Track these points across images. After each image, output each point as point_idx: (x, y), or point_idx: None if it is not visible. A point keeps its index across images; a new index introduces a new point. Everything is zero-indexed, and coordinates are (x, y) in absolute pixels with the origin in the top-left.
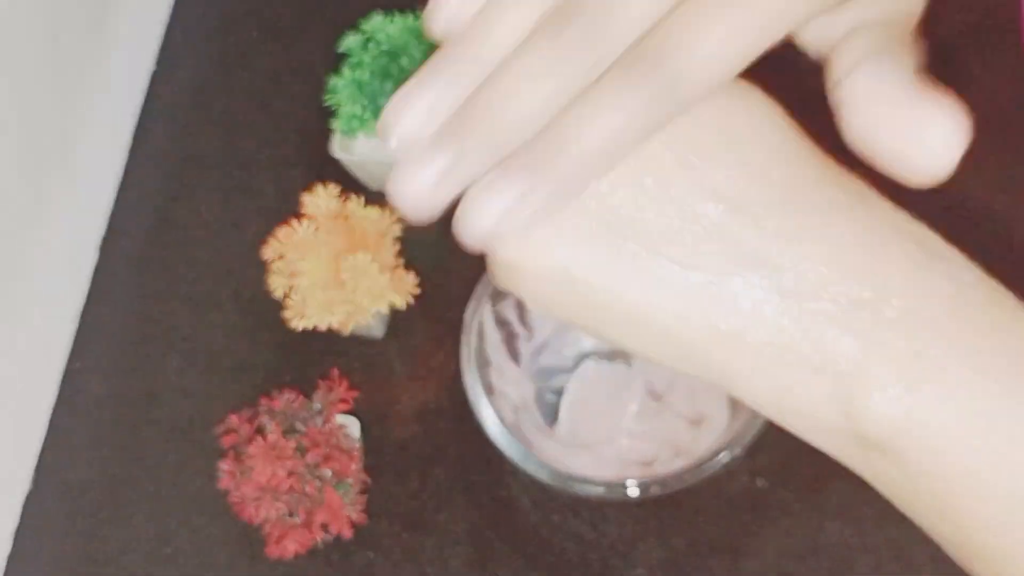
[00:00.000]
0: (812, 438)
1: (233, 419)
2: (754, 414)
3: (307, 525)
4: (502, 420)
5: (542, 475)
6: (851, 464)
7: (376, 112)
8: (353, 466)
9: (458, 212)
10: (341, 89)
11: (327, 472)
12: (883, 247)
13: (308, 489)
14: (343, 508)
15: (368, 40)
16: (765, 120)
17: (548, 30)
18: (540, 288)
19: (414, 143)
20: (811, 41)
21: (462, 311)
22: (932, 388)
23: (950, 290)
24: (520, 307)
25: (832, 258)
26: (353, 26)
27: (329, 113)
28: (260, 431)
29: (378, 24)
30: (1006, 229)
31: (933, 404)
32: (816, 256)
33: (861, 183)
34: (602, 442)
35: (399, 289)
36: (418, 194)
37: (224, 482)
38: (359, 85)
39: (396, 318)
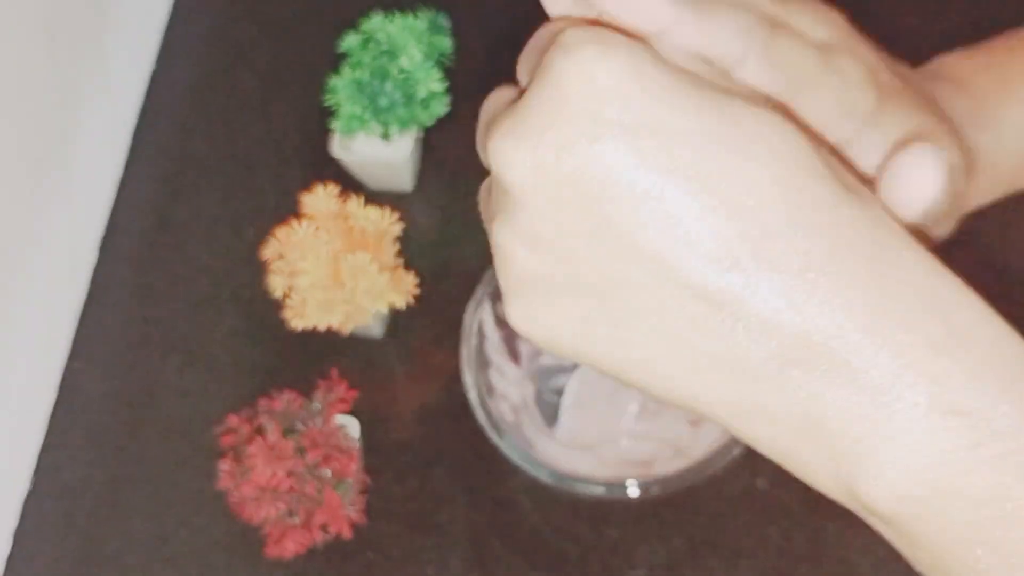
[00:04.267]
0: (831, 497)
1: (232, 419)
2: None
3: (306, 525)
4: (502, 420)
5: (542, 475)
6: (869, 523)
7: (375, 112)
8: (353, 466)
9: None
10: (341, 89)
11: (327, 472)
12: (896, 320)
13: (308, 489)
14: (343, 508)
15: (368, 40)
16: (784, 163)
17: None
18: (553, 350)
19: None
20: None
21: (462, 311)
22: (928, 467)
23: (962, 372)
24: None
25: (842, 328)
26: (353, 26)
27: (328, 113)
28: (260, 431)
29: (378, 24)
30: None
31: (929, 481)
32: (825, 328)
33: (892, 231)
34: (602, 442)
35: (399, 289)
36: None
37: (223, 482)
38: (359, 85)
39: (396, 318)
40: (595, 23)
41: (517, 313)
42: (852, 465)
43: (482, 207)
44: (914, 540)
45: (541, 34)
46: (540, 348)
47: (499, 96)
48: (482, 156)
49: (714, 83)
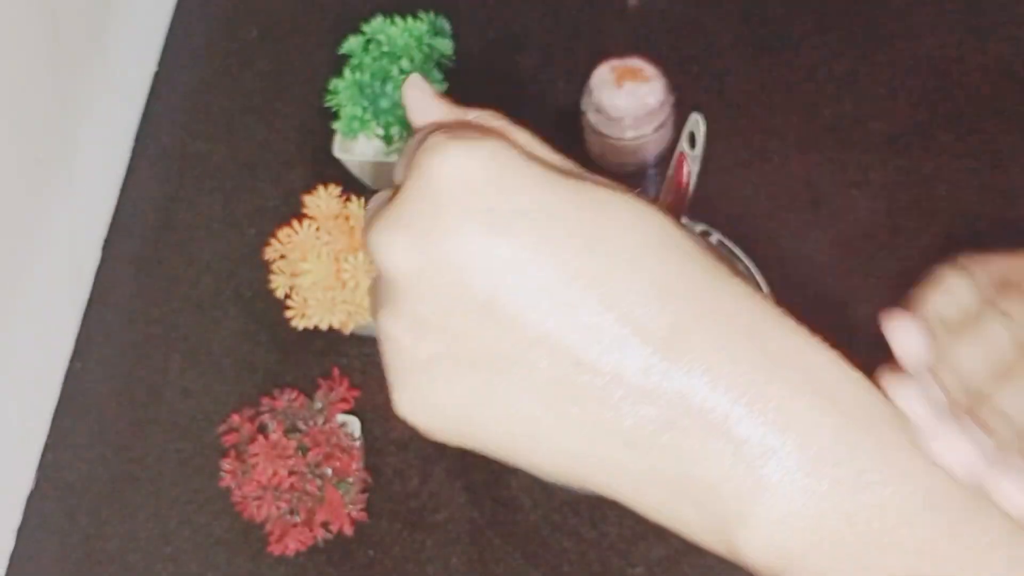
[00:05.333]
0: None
1: (235, 418)
2: None
3: (308, 523)
4: None
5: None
6: None
7: (376, 113)
8: (354, 465)
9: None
10: (342, 90)
11: (328, 471)
12: (762, 381)
13: (309, 488)
14: (344, 506)
15: (369, 42)
16: (647, 237)
17: None
18: (440, 437)
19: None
20: None
21: None
22: (804, 522)
23: (833, 426)
24: None
25: (712, 391)
26: (354, 28)
27: (330, 114)
28: (262, 430)
29: (379, 26)
30: None
31: (805, 536)
32: (695, 392)
33: (753, 299)
34: None
35: None
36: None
37: (226, 481)
38: (360, 87)
39: None
40: (464, 125)
41: (403, 401)
42: (729, 522)
43: (370, 303)
44: None
45: (414, 139)
46: (425, 435)
47: (378, 197)
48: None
49: (572, 171)
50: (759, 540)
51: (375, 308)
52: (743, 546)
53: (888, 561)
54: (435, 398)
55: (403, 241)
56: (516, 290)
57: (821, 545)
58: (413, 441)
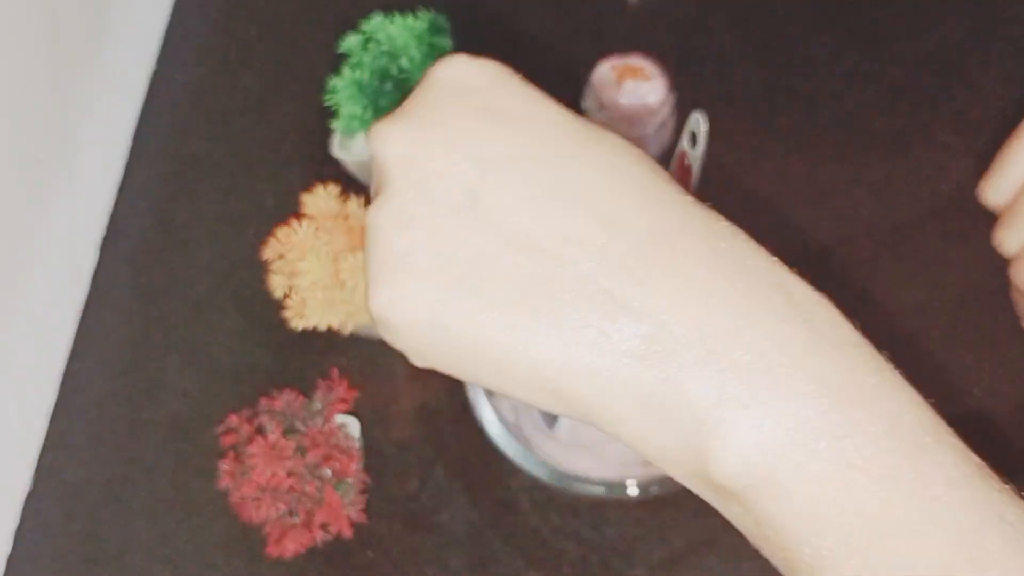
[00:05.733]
0: (682, 482)
1: (233, 419)
2: None
3: (307, 525)
4: (502, 420)
5: (542, 474)
6: (719, 509)
7: (376, 112)
8: (353, 466)
9: None
10: (341, 89)
11: (327, 472)
12: (738, 294)
13: (308, 489)
14: (343, 508)
15: (368, 40)
16: (632, 164)
17: None
18: (413, 339)
19: None
20: None
21: None
22: (774, 439)
23: (804, 341)
24: None
25: (690, 309)
26: (353, 26)
27: (329, 113)
28: (260, 431)
29: (378, 24)
30: None
31: (775, 451)
32: (675, 307)
33: (729, 226)
34: (602, 442)
35: None
36: None
37: (224, 482)
38: (359, 85)
39: None
40: None
41: (378, 296)
42: (702, 440)
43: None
44: (759, 518)
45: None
46: (395, 338)
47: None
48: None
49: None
50: (731, 460)
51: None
52: (715, 466)
53: (850, 482)
54: (409, 293)
55: (399, 129)
56: (499, 187)
57: (790, 467)
58: (413, 442)
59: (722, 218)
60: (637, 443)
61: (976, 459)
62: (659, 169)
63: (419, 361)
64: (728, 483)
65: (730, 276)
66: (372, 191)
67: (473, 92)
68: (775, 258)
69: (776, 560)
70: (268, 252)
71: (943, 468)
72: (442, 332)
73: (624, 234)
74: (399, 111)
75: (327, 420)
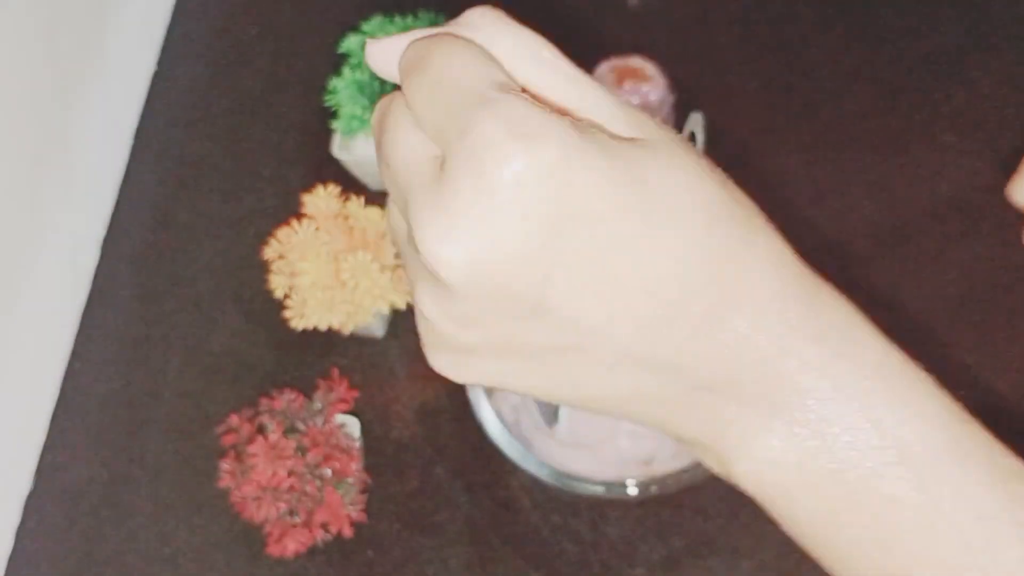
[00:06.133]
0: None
1: (234, 419)
2: None
3: (307, 524)
4: (502, 420)
5: (542, 474)
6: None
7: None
8: (353, 465)
9: None
10: (341, 90)
11: (327, 471)
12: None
13: (308, 488)
14: (343, 507)
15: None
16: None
17: None
18: (473, 382)
19: None
20: None
21: None
22: (787, 457)
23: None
24: None
25: (737, 359)
26: (353, 27)
27: (329, 113)
28: (261, 431)
29: (378, 25)
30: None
31: (788, 471)
32: (722, 358)
33: (747, 234)
34: (601, 442)
35: (399, 289)
36: None
37: (225, 481)
38: (359, 86)
39: (396, 318)
40: (449, 38)
41: (441, 365)
42: (728, 454)
43: (391, 224)
44: (778, 518)
45: (449, 81)
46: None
47: (410, 148)
48: (384, 176)
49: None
50: (752, 475)
51: (410, 279)
52: (738, 478)
53: (864, 506)
54: (473, 371)
55: (453, 242)
56: (567, 293)
57: (806, 488)
58: (413, 441)
59: (774, 250)
60: (674, 437)
61: (987, 481)
62: (722, 197)
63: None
64: (749, 493)
65: (785, 320)
66: (410, 267)
67: (530, 197)
68: (826, 287)
69: (805, 548)
70: (268, 252)
71: (955, 489)
72: (506, 388)
73: (682, 308)
74: (446, 212)
75: (327, 420)
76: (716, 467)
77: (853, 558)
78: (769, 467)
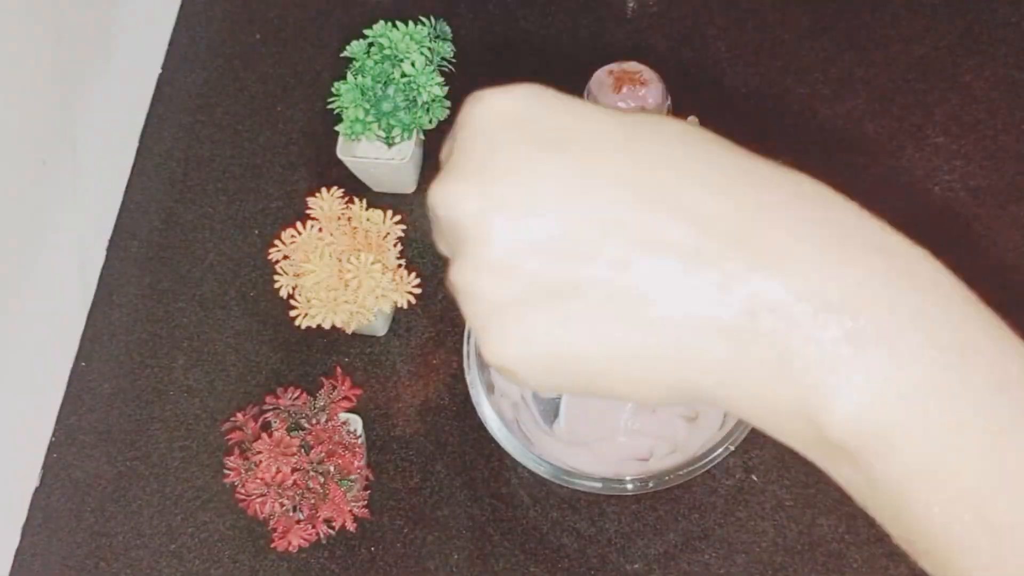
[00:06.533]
0: (793, 446)
1: (238, 416)
2: None
3: (311, 520)
4: (502, 418)
5: (541, 471)
6: (827, 471)
7: (378, 116)
8: (356, 462)
9: None
10: (345, 93)
11: (331, 468)
12: (844, 262)
13: (312, 485)
14: (346, 503)
15: (371, 45)
16: (699, 143)
17: None
18: (537, 375)
19: None
20: None
21: None
22: (886, 392)
23: (911, 303)
24: None
25: (792, 274)
26: (357, 32)
27: (333, 117)
28: (265, 428)
29: (381, 30)
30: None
31: (887, 407)
32: (777, 274)
33: (815, 186)
34: (600, 439)
35: (401, 289)
36: None
37: (230, 478)
38: (362, 90)
39: (398, 317)
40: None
41: (492, 348)
42: (815, 400)
43: (438, 241)
44: (870, 475)
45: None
46: (520, 380)
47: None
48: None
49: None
50: (842, 420)
51: (450, 270)
52: (828, 426)
53: (964, 440)
54: (522, 337)
55: (461, 188)
56: (575, 215)
57: (901, 427)
58: (415, 439)
59: (804, 178)
60: (747, 414)
61: None
62: (723, 141)
63: (552, 392)
64: (840, 442)
65: (830, 244)
66: (444, 249)
67: (518, 125)
68: (867, 213)
69: (885, 520)
70: (273, 253)
71: None
72: (564, 371)
73: (710, 222)
74: (454, 167)
75: (331, 417)
76: (797, 422)
77: (951, 513)
78: (868, 409)
